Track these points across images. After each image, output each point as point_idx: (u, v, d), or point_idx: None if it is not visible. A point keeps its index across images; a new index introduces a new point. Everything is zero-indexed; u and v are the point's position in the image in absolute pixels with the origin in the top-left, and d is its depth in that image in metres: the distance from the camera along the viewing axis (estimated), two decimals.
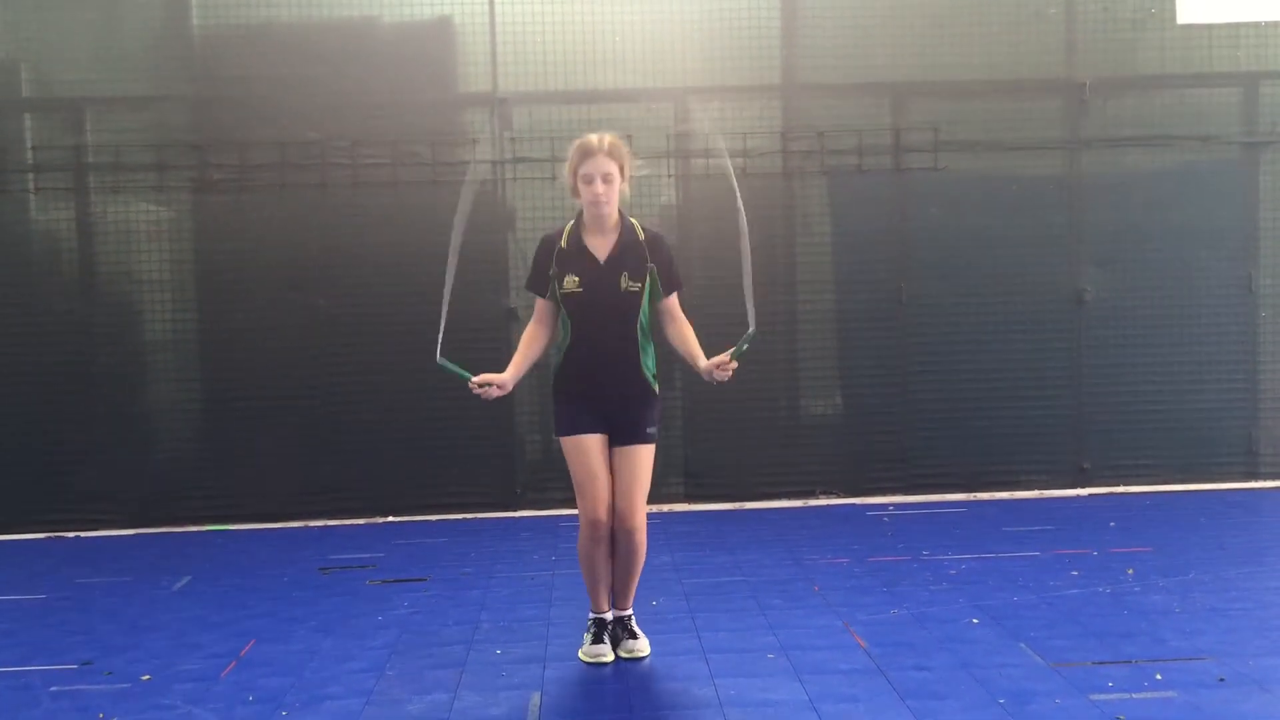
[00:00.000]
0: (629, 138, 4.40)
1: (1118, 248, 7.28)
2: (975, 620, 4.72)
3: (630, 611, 4.48)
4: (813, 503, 7.18)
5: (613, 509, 4.27)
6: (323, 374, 7.03)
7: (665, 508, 7.09)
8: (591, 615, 4.46)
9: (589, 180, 4.22)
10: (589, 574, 4.38)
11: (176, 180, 6.98)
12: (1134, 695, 3.85)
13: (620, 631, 4.43)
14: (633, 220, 4.37)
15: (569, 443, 4.32)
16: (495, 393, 4.31)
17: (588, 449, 4.27)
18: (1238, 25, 7.24)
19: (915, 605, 4.96)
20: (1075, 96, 7.21)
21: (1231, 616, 4.67)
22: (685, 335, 4.41)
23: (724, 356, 4.29)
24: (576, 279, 4.26)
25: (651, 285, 4.32)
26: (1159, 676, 4.02)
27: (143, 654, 4.61)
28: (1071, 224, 7.26)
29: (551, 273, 4.31)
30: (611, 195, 4.25)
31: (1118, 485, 7.30)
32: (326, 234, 7.01)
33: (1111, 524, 6.42)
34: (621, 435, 4.30)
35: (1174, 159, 7.27)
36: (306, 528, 6.96)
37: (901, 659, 4.28)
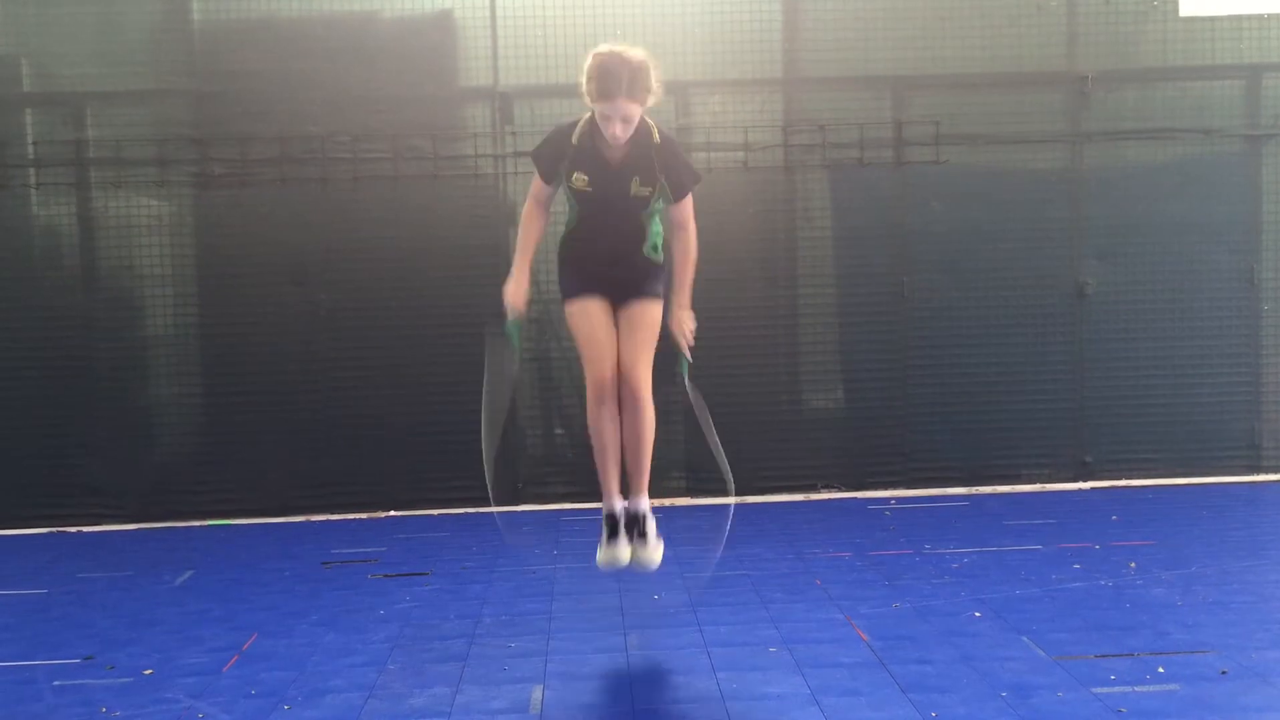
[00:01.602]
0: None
1: (1119, 241, 7.27)
2: (977, 614, 4.72)
3: (644, 507, 4.36)
4: (814, 497, 7.18)
5: (618, 372, 4.25)
6: (324, 368, 7.03)
7: (667, 502, 7.09)
8: (603, 511, 4.34)
9: (605, 119, 4.05)
10: (598, 445, 4.30)
11: (177, 175, 6.97)
12: (1136, 688, 3.85)
13: (633, 532, 4.34)
14: (650, 122, 4.21)
15: (573, 307, 4.33)
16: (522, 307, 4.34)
17: (591, 312, 4.28)
18: (1240, 18, 7.23)
19: (917, 599, 4.95)
20: (1077, 89, 7.20)
21: (1234, 609, 4.67)
22: (680, 257, 4.34)
23: (684, 345, 4.36)
24: (586, 178, 4.22)
25: (661, 191, 4.26)
26: (1161, 669, 4.02)
27: (145, 648, 4.61)
28: (1073, 217, 7.25)
29: (561, 167, 4.25)
30: (629, 131, 4.09)
31: (1120, 479, 7.30)
32: (327, 229, 7.00)
33: (1113, 517, 6.42)
34: (625, 295, 4.30)
35: (1176, 152, 7.26)
36: (308, 522, 6.97)
37: (903, 652, 4.27)
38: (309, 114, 6.97)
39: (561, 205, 4.52)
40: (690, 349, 4.45)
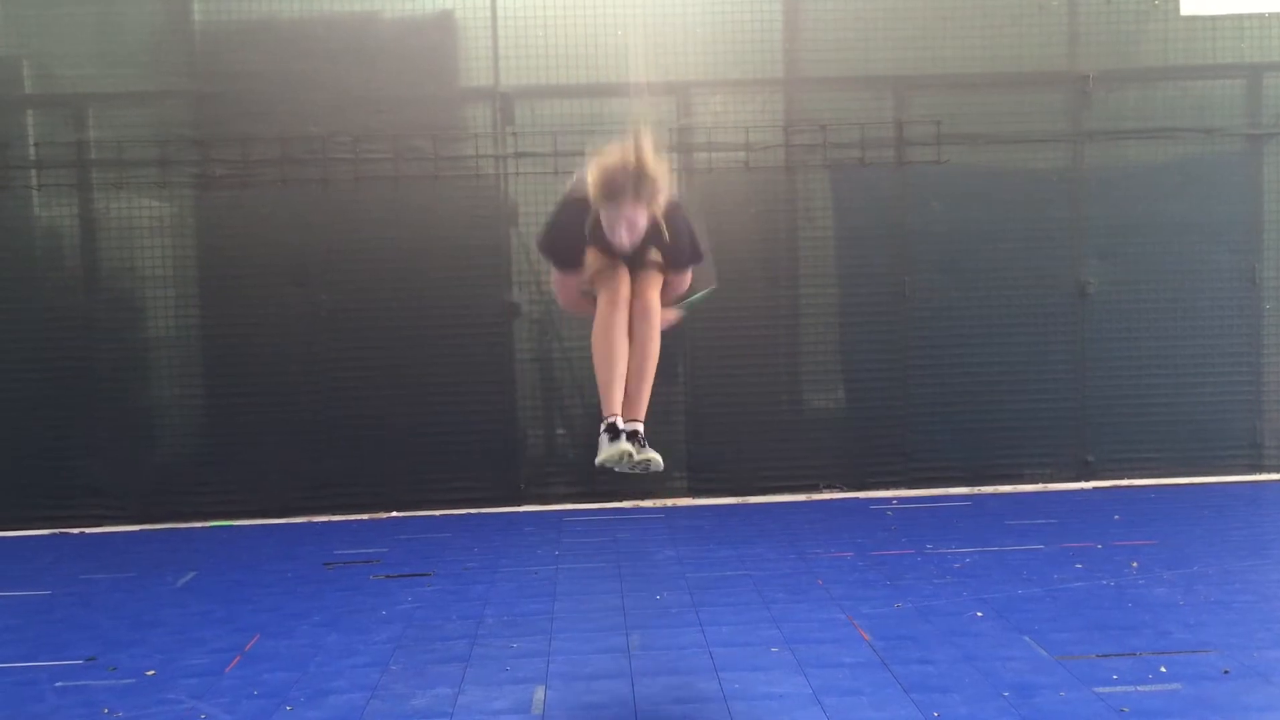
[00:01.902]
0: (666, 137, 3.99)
1: (1121, 241, 7.27)
2: (979, 613, 4.72)
3: (640, 425, 4.00)
4: (816, 497, 7.18)
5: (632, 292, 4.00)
6: (326, 369, 7.03)
7: (669, 502, 7.09)
8: (605, 419, 3.96)
9: (610, 227, 3.81)
10: (606, 350, 3.96)
11: (178, 176, 6.98)
12: (1138, 688, 3.85)
13: (633, 440, 4.02)
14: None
15: (588, 256, 3.99)
16: None
17: (604, 257, 3.95)
18: (1242, 17, 7.22)
19: (919, 599, 4.95)
20: (1078, 89, 7.20)
21: (1236, 609, 4.67)
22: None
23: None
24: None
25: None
26: (1163, 669, 4.02)
27: (147, 649, 4.62)
28: (1074, 217, 7.25)
29: (578, 252, 4.00)
30: (637, 237, 3.86)
31: (1121, 478, 7.30)
32: (328, 229, 7.00)
33: (1115, 517, 6.42)
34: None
35: (1177, 151, 7.26)
36: (310, 523, 6.97)
37: (905, 652, 4.28)
38: (310, 115, 6.97)
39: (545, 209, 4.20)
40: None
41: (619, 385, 3.98)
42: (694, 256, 4.04)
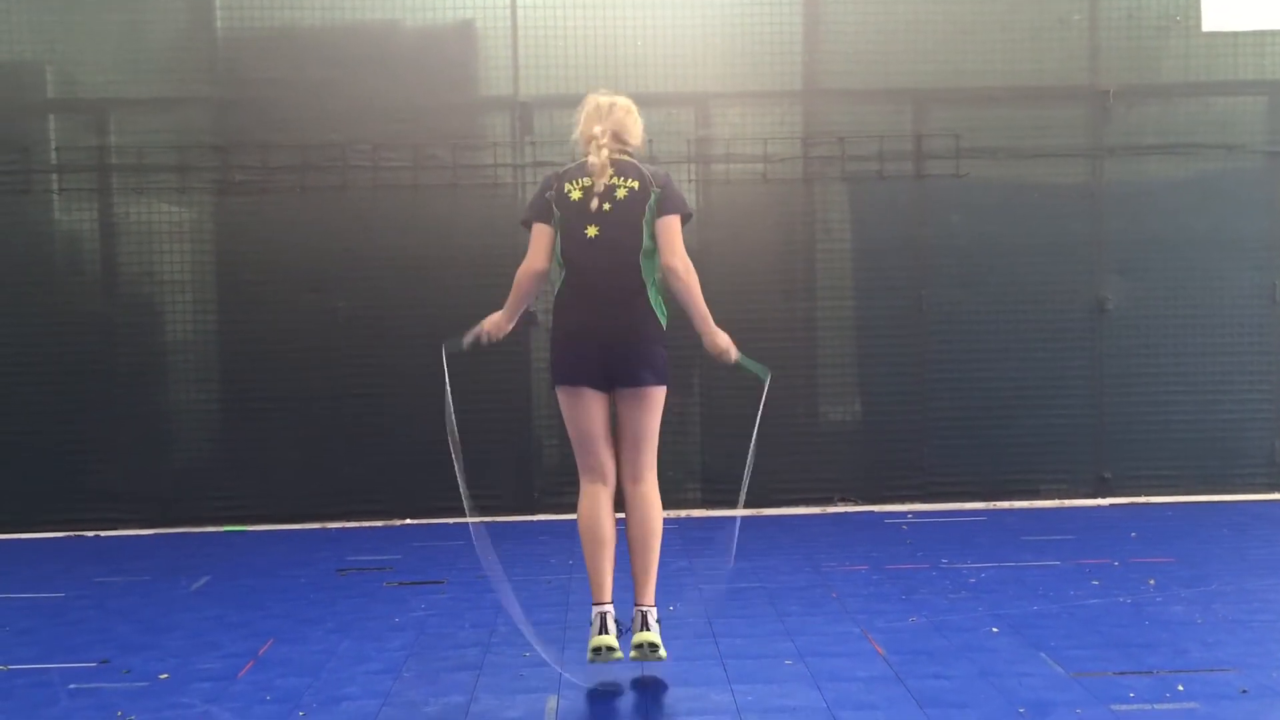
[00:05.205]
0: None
1: (1140, 256, 7.24)
2: (995, 629, 4.69)
3: (652, 606, 4.06)
4: (830, 510, 7.16)
5: (617, 469, 4.12)
6: (342, 376, 7.05)
7: (682, 513, 7.07)
8: (594, 608, 4.06)
9: (587, 143, 4.19)
10: (592, 541, 4.06)
11: (198, 182, 7.01)
12: (1156, 706, 3.82)
13: (638, 623, 4.06)
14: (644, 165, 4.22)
15: (563, 394, 4.12)
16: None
17: (583, 403, 4.07)
18: (1263, 33, 7.20)
19: (934, 613, 4.93)
20: (1098, 104, 7.18)
21: (1254, 628, 4.63)
22: (684, 294, 4.14)
23: (734, 356, 4.32)
24: (579, 189, 4.15)
25: (655, 198, 4.11)
26: (1181, 688, 3.98)
27: (161, 653, 4.62)
28: (1093, 232, 7.23)
29: (550, 196, 4.22)
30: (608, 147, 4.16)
31: (1139, 495, 7.26)
32: (347, 236, 7.03)
33: (1133, 534, 6.38)
34: (623, 376, 4.04)
35: (1198, 167, 7.23)
36: (324, 529, 6.98)
37: (920, 667, 4.25)
38: (330, 122, 7.00)
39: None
40: (737, 358, 4.33)
41: (607, 574, 4.08)
42: (684, 206, 4.17)
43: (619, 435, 4.18)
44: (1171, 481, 7.26)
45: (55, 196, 7.01)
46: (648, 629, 4.03)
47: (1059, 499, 7.24)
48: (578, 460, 4.20)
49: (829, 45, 7.15)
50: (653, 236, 4.11)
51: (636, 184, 4.08)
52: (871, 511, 7.11)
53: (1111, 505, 7.17)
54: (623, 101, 4.22)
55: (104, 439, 7.03)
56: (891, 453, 7.23)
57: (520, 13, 7.04)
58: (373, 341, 7.04)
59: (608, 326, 4.04)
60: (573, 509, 6.98)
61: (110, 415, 7.03)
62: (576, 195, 4.10)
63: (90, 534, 6.98)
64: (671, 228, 4.09)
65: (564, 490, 7.13)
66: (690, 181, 7.12)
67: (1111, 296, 7.23)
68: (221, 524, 7.03)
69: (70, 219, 7.06)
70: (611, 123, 4.14)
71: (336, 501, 7.07)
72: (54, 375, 6.99)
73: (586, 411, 4.11)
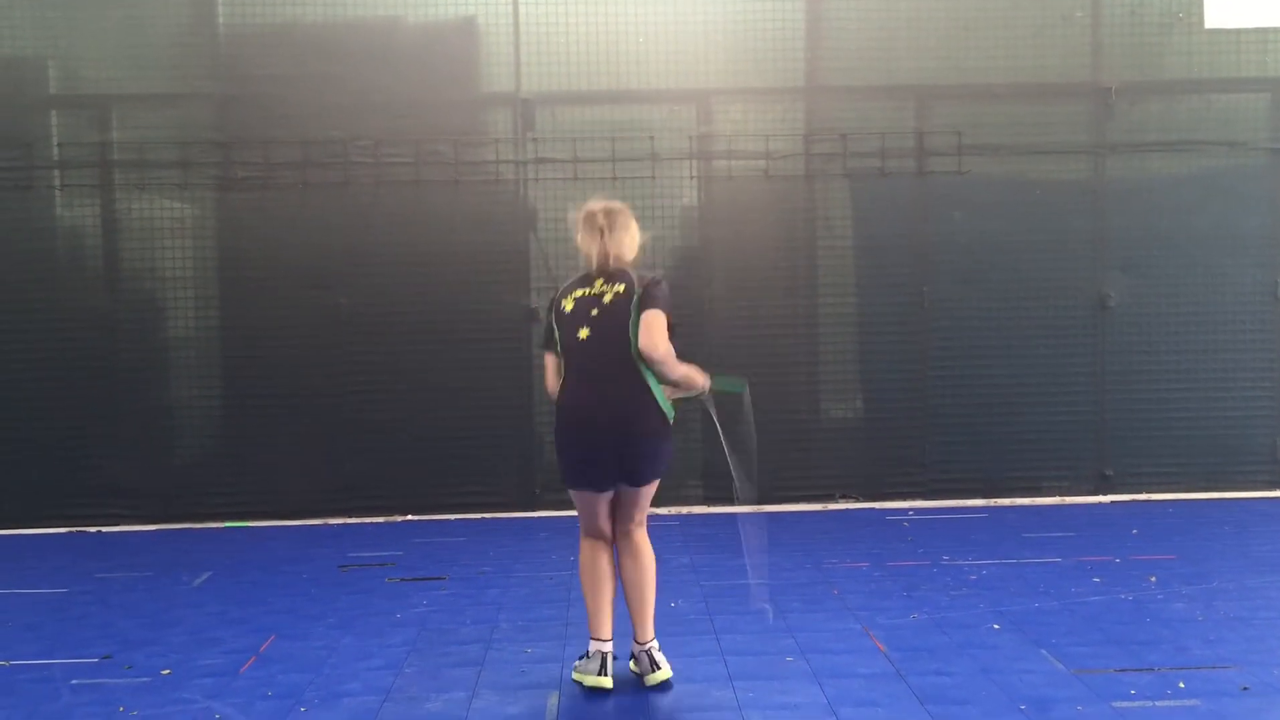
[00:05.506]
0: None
1: (1142, 253, 7.23)
2: (996, 626, 4.69)
3: (653, 641, 4.16)
4: (832, 507, 7.16)
5: (614, 527, 4.24)
6: (344, 372, 7.05)
7: (684, 510, 7.07)
8: (593, 643, 4.13)
9: (587, 250, 4.24)
10: (591, 582, 4.18)
11: (200, 178, 7.01)
12: (1157, 703, 3.82)
13: (645, 664, 4.14)
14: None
15: (571, 492, 4.27)
16: None
17: (588, 501, 4.19)
18: (1266, 30, 7.19)
19: (935, 610, 4.93)
20: (1101, 101, 7.17)
21: (1255, 625, 4.63)
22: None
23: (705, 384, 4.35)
24: (572, 300, 4.18)
25: (638, 298, 4.11)
26: (1182, 685, 3.99)
27: (163, 648, 4.63)
28: (1095, 229, 7.22)
29: (552, 318, 4.27)
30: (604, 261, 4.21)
31: (1140, 492, 7.26)
32: (349, 232, 7.03)
33: (1134, 531, 6.38)
34: (623, 476, 4.11)
35: (1200, 164, 7.22)
36: (326, 525, 6.98)
37: (921, 664, 4.25)
38: (331, 118, 7.00)
39: None
40: (708, 388, 4.39)
41: (606, 613, 4.17)
42: (664, 301, 4.13)
43: (616, 502, 4.23)
44: (1173, 478, 7.26)
45: (57, 192, 7.01)
46: (658, 668, 4.13)
47: (1060, 496, 7.24)
48: (580, 522, 4.29)
49: (831, 42, 7.14)
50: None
51: (622, 287, 4.15)
52: (873, 508, 7.11)
53: (1113, 502, 7.17)
54: (618, 213, 4.22)
55: (106, 435, 7.03)
56: (893, 449, 7.23)
57: (522, 9, 7.03)
58: (374, 337, 7.05)
59: (605, 417, 4.10)
60: (572, 506, 7.02)
61: (112, 411, 7.03)
62: (570, 306, 4.20)
63: (93, 529, 6.98)
64: (650, 321, 4.08)
65: (564, 488, 7.12)
66: (692, 178, 7.12)
67: (1113, 293, 7.23)
68: (223, 520, 7.03)
69: (72, 215, 7.06)
70: (610, 244, 4.18)
71: (338, 497, 7.07)
72: (56, 371, 6.99)
73: (590, 506, 4.22)
